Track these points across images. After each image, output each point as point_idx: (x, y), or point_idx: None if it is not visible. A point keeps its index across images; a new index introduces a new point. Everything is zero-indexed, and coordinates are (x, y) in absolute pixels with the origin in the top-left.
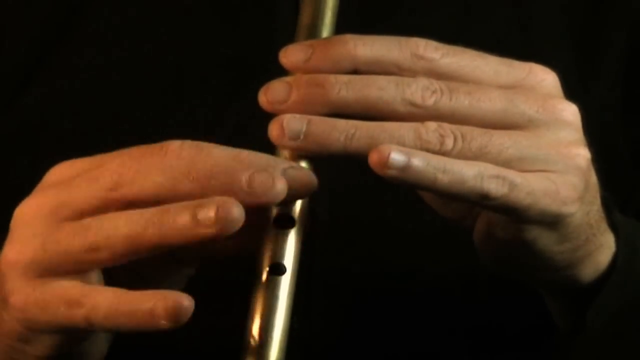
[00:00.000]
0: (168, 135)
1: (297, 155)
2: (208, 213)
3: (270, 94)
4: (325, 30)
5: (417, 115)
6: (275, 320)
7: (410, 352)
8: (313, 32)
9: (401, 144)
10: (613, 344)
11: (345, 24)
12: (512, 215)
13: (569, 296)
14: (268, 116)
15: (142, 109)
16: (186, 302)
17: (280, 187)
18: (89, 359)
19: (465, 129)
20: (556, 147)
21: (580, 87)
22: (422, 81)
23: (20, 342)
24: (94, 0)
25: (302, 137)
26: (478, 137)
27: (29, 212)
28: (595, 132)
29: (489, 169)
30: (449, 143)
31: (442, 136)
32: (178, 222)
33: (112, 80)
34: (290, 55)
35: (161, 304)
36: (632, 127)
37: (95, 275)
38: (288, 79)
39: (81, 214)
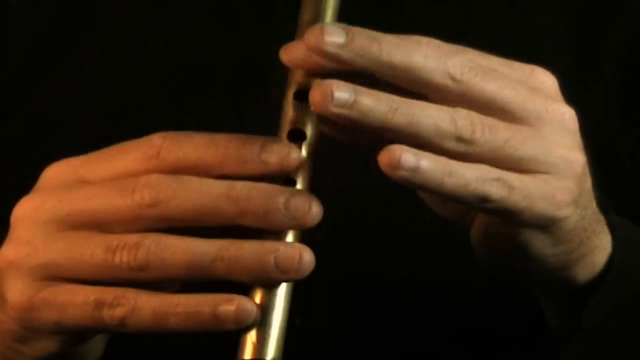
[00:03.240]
0: None
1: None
2: (289, 256)
3: (328, 35)
4: None
5: (450, 90)
6: (273, 317)
7: (409, 351)
8: None
9: (438, 126)
10: (608, 345)
11: (347, 23)
12: (508, 218)
13: (564, 297)
14: (271, 117)
15: (144, 111)
16: (249, 305)
17: (317, 210)
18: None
19: (492, 121)
20: (556, 150)
21: (579, 88)
22: (462, 58)
23: (16, 342)
24: (98, 3)
25: (349, 105)
26: (502, 131)
27: (34, 212)
28: (593, 134)
29: (490, 171)
30: (478, 132)
31: (473, 124)
32: (252, 260)
33: (115, 82)
34: (291, 52)
35: (228, 307)
36: (631, 128)
37: None
38: (344, 26)
39: (103, 224)
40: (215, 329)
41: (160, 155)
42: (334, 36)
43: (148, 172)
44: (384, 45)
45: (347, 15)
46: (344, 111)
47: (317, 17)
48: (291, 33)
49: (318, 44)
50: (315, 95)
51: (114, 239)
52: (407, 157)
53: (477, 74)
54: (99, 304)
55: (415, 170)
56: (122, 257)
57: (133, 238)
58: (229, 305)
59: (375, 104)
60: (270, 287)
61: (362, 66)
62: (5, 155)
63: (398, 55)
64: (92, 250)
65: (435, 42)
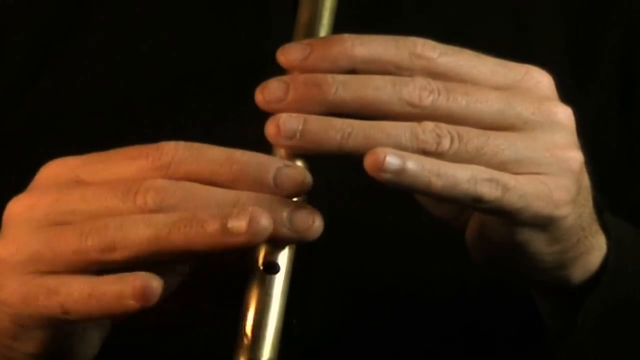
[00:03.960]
0: (168, 136)
1: (293, 154)
2: (239, 222)
3: (267, 92)
4: (323, 30)
5: (414, 115)
6: (268, 318)
7: (406, 351)
8: (310, 31)
9: (398, 143)
10: (603, 345)
11: (344, 25)
12: (505, 218)
13: (559, 297)
14: (267, 117)
15: (141, 111)
16: (154, 282)
17: (319, 224)
18: (80, 358)
19: (462, 129)
20: (550, 150)
21: (576, 88)
22: (420, 81)
23: (9, 338)
24: (96, 3)
25: (298, 135)
26: (475, 138)
27: (26, 211)
28: (590, 133)
29: (482, 172)
30: (446, 143)
31: (439, 136)
32: (207, 229)
33: (112, 82)
34: (288, 53)
35: (129, 285)
36: (627, 129)
37: None
38: (285, 78)
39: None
40: (120, 310)
41: (171, 166)
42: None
43: (155, 178)
44: (330, 93)
45: (344, 17)
46: (295, 142)
47: (314, 18)
48: (287, 33)
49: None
50: (268, 128)
51: (87, 225)
52: (391, 159)
53: (440, 94)
54: (49, 292)
55: (400, 172)
56: (93, 240)
57: (101, 221)
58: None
59: (325, 131)
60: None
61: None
62: (3, 154)
63: (349, 95)
64: (68, 237)
65: (430, 43)
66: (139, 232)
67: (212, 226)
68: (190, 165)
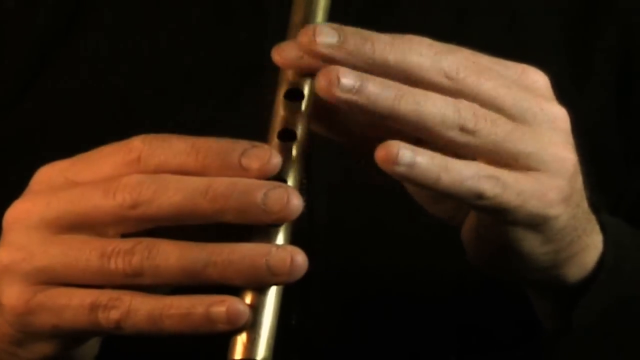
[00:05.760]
0: None
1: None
2: (279, 262)
3: (321, 35)
4: None
5: (446, 87)
6: (263, 317)
7: (406, 352)
8: None
9: (443, 114)
10: (599, 344)
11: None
12: (500, 216)
13: (555, 296)
14: (265, 116)
15: (140, 111)
16: (241, 306)
17: (297, 202)
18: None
19: (493, 114)
20: (550, 148)
21: (573, 88)
22: (457, 56)
23: (13, 345)
24: (94, 5)
25: (355, 90)
26: (503, 125)
27: (25, 216)
28: (587, 133)
29: (484, 168)
30: (481, 124)
31: (476, 116)
32: (244, 264)
33: (111, 83)
34: (283, 52)
35: (219, 308)
36: (624, 128)
37: None
38: (336, 25)
39: (90, 226)
40: (208, 330)
41: (141, 160)
42: (326, 37)
43: (130, 174)
44: (377, 44)
45: (338, 16)
46: (350, 97)
47: (308, 17)
48: (284, 33)
49: (311, 45)
50: (321, 81)
51: (109, 245)
52: (404, 153)
53: (473, 72)
54: (95, 307)
55: (412, 165)
56: (117, 264)
57: (127, 244)
58: (221, 306)
59: (381, 90)
60: (262, 289)
61: (355, 66)
62: (3, 156)
63: (392, 55)
64: (87, 256)
65: (427, 41)
66: (169, 263)
67: (248, 263)
68: (158, 158)
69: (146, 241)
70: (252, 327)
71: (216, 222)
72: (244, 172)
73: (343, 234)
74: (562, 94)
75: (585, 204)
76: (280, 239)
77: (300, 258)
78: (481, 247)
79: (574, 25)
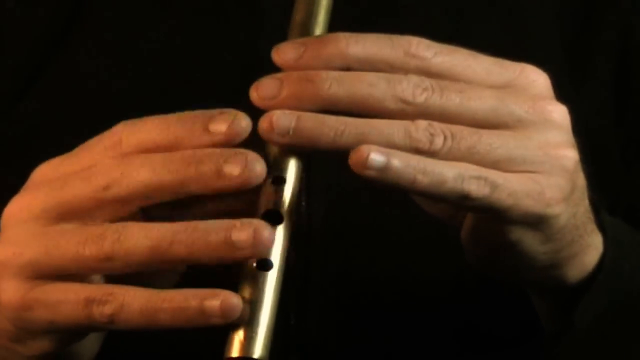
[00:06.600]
0: None
1: (287, 151)
2: (242, 236)
3: (262, 90)
4: (318, 29)
5: (407, 112)
6: (260, 316)
7: (404, 352)
8: (306, 30)
9: (390, 141)
10: (599, 344)
11: (340, 24)
12: (495, 216)
13: (556, 296)
14: (261, 114)
15: (140, 110)
16: (235, 299)
17: (259, 168)
18: (80, 359)
19: (455, 128)
20: (544, 148)
21: (572, 88)
22: (413, 78)
23: (11, 341)
24: (93, 5)
25: (291, 132)
26: (467, 137)
27: (20, 212)
28: (586, 132)
29: (470, 169)
30: (439, 142)
31: (432, 135)
32: (211, 241)
33: (110, 83)
34: (283, 53)
35: (213, 302)
36: (623, 127)
37: (97, 276)
38: (279, 75)
39: (76, 214)
40: (202, 324)
41: (122, 143)
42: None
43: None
44: (324, 89)
45: (340, 16)
46: (288, 139)
47: (310, 17)
48: (283, 33)
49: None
50: (262, 124)
51: (83, 232)
52: (374, 156)
53: (434, 91)
54: (89, 301)
55: (384, 169)
56: (91, 250)
57: (99, 229)
58: (215, 299)
59: (319, 128)
60: (258, 284)
61: (311, 108)
62: (3, 156)
63: (342, 92)
64: (65, 244)
65: (425, 42)
66: (138, 243)
67: (216, 238)
68: (136, 137)
69: (116, 225)
70: (249, 325)
71: (184, 195)
72: (210, 136)
73: (341, 235)
74: (562, 92)
75: (586, 203)
76: (279, 238)
77: (265, 232)
78: (480, 247)
79: (573, 24)
